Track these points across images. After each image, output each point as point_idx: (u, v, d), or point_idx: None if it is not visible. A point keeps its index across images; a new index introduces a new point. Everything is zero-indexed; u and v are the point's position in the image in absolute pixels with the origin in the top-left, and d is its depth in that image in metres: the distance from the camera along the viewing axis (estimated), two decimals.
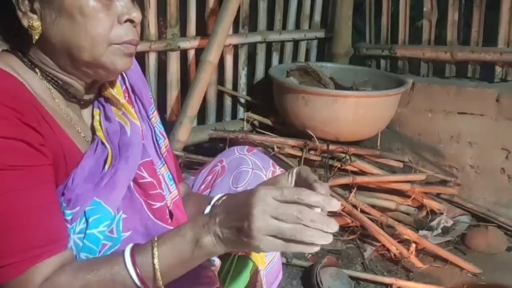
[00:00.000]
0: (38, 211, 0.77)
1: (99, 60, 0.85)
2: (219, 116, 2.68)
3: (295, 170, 0.91)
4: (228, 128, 2.44)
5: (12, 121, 0.75)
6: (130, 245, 0.80)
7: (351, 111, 2.30)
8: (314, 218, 0.72)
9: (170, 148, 1.11)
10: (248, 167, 1.16)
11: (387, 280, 1.83)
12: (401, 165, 2.35)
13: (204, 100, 2.46)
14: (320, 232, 0.72)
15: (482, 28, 2.57)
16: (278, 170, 1.19)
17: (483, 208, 2.32)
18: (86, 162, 0.87)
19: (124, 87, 1.01)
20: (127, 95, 1.01)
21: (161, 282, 0.78)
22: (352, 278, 1.83)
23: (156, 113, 1.09)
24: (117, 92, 0.97)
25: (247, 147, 1.23)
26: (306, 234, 0.72)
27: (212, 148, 2.51)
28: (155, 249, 0.78)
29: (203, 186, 1.21)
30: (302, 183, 0.88)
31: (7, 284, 0.75)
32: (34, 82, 0.86)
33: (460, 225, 2.24)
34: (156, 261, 0.77)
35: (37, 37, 0.83)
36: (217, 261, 1.03)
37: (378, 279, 1.84)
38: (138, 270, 0.77)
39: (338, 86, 2.60)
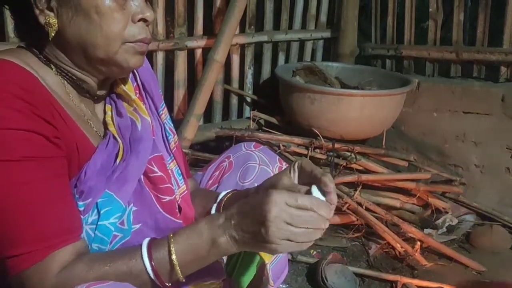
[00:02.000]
0: (54, 201, 0.80)
1: (113, 57, 0.87)
2: (226, 115, 2.69)
3: (296, 165, 0.94)
4: (234, 126, 2.45)
5: (27, 114, 0.78)
6: (147, 240, 0.83)
7: (356, 110, 2.31)
8: (321, 222, 0.79)
9: (179, 144, 1.14)
10: (255, 162, 1.18)
11: (391, 277, 1.84)
12: (406, 164, 2.36)
13: (211, 99, 2.48)
14: (321, 230, 0.81)
15: (488, 28, 2.58)
16: (285, 166, 1.20)
17: (488, 207, 2.32)
18: (98, 155, 0.90)
19: (135, 84, 1.03)
20: (138, 91, 1.03)
21: (181, 276, 0.81)
22: (357, 275, 1.84)
23: (166, 109, 1.11)
24: (128, 88, 0.99)
25: (254, 143, 1.24)
26: (315, 236, 0.79)
27: (218, 146, 2.53)
28: (172, 245, 0.80)
29: (210, 182, 1.23)
30: (307, 177, 0.91)
31: (25, 272, 0.77)
32: (49, 78, 0.88)
33: (465, 224, 2.24)
34: (174, 257, 0.80)
35: (53, 34, 0.85)
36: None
37: (382, 276, 1.85)
38: (154, 265, 0.80)
39: (343, 86, 2.61)
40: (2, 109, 0.76)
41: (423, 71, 2.77)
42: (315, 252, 1.97)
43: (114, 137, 0.93)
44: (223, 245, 0.81)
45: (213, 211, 1.04)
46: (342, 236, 2.07)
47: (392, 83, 2.53)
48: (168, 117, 1.11)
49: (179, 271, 0.80)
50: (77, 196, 0.86)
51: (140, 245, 0.82)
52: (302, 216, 0.77)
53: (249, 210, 0.79)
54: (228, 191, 1.07)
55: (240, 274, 1.13)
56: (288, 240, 0.77)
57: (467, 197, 2.36)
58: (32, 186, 0.78)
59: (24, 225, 0.77)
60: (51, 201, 0.79)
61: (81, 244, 0.83)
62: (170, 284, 0.82)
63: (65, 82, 0.90)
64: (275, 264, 1.13)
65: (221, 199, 1.05)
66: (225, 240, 0.80)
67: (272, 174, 1.14)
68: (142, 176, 0.93)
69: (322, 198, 0.85)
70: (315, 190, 0.86)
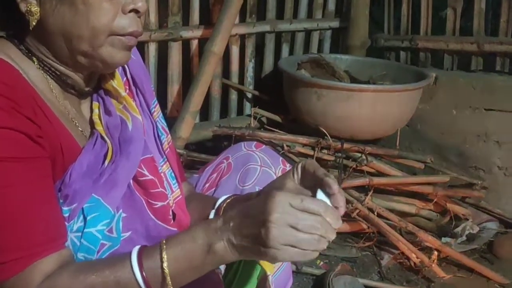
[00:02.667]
0: (37, 206, 0.80)
1: (97, 51, 0.88)
2: (224, 112, 2.70)
3: (299, 166, 0.94)
4: (233, 125, 2.46)
5: (8, 111, 0.78)
6: (137, 248, 0.83)
7: (367, 107, 2.32)
8: (328, 229, 0.78)
9: (173, 145, 1.14)
10: (256, 164, 1.18)
11: None
12: (422, 166, 2.36)
13: (208, 94, 2.48)
14: (326, 240, 0.79)
15: None
16: (289, 168, 1.21)
17: None
18: (84, 157, 0.90)
19: (125, 78, 1.04)
20: (127, 87, 1.04)
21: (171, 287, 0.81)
22: None
23: (158, 107, 1.11)
24: (118, 84, 1.00)
25: (255, 143, 1.25)
26: (322, 244, 0.78)
27: (216, 146, 2.54)
28: (164, 252, 0.80)
29: (207, 185, 1.24)
30: (310, 178, 0.91)
31: (5, 282, 0.78)
32: (31, 71, 0.88)
33: (486, 232, 2.24)
34: (165, 265, 0.80)
35: (34, 23, 0.85)
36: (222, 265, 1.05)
37: None
38: (144, 274, 0.80)
39: (353, 80, 2.61)
40: None
41: (441, 64, 2.78)
42: (322, 263, 1.97)
43: (102, 137, 0.94)
44: (220, 251, 0.80)
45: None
46: (352, 245, 2.08)
47: (407, 78, 2.53)
48: (161, 115, 1.11)
49: (170, 282, 0.80)
50: (61, 200, 0.87)
51: (130, 253, 0.82)
52: (307, 220, 0.76)
53: (249, 211, 0.79)
54: (227, 196, 1.07)
55: (240, 287, 1.14)
56: (291, 246, 0.76)
57: (489, 203, 2.36)
58: (13, 189, 0.78)
59: (4, 232, 0.77)
60: (33, 205, 0.80)
61: (66, 252, 0.83)
62: None
63: (48, 77, 0.91)
64: (278, 275, 1.14)
65: (220, 205, 1.05)
66: (222, 245, 0.80)
67: (275, 177, 1.15)
68: (131, 180, 0.94)
69: (328, 203, 0.85)
70: (320, 194, 0.86)
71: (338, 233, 0.83)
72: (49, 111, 0.87)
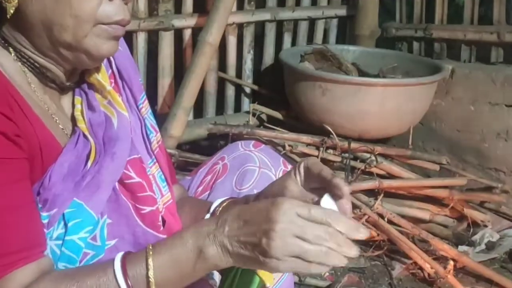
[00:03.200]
0: (14, 211, 0.80)
1: (81, 41, 0.88)
2: (220, 109, 2.71)
3: (302, 166, 0.93)
4: (230, 122, 2.47)
5: None
6: (121, 254, 0.83)
7: (377, 102, 2.32)
8: (341, 241, 0.77)
9: (163, 144, 1.14)
10: (254, 165, 1.18)
11: None
12: (437, 167, 2.37)
13: (202, 89, 2.49)
14: (341, 255, 0.77)
15: None
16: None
17: None
18: (65, 157, 0.90)
19: (110, 71, 1.04)
20: (113, 80, 1.04)
21: None
22: None
23: (146, 102, 1.11)
24: (102, 77, 1.00)
25: (253, 142, 1.25)
26: (331, 258, 0.76)
27: (211, 146, 2.54)
28: (150, 259, 0.80)
29: (200, 188, 1.24)
30: (314, 180, 0.91)
31: None
32: (7, 63, 0.88)
33: (507, 240, 2.25)
34: (151, 273, 0.79)
35: (12, 11, 0.85)
36: (216, 275, 1.05)
37: None
38: (129, 283, 0.80)
39: (362, 73, 2.62)
40: None
41: (458, 56, 2.78)
42: (327, 274, 1.98)
43: (85, 135, 0.94)
44: (212, 257, 0.80)
45: None
46: (360, 254, 2.08)
47: (421, 70, 2.54)
48: (150, 111, 1.11)
49: None
50: (40, 205, 0.87)
51: (113, 261, 0.81)
52: (315, 230, 0.76)
53: (249, 218, 0.79)
54: (223, 199, 1.07)
55: None
56: (295, 257, 0.76)
57: (510, 208, 2.36)
58: None
59: None
60: (10, 211, 0.79)
61: (45, 262, 0.83)
62: None
63: (26, 69, 0.91)
64: (278, 287, 1.14)
65: (215, 209, 1.05)
66: (215, 251, 0.79)
67: (274, 179, 1.14)
68: (116, 183, 0.94)
69: (336, 209, 0.85)
70: (327, 199, 0.86)
71: None
72: (26, 107, 0.87)
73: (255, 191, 1.10)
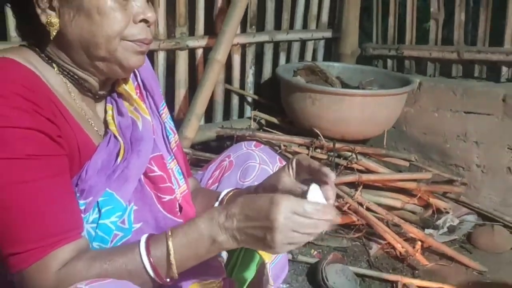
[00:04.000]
0: (56, 199, 0.80)
1: (114, 55, 0.88)
2: (227, 115, 2.70)
3: (294, 161, 0.95)
4: (235, 126, 2.46)
5: (30, 112, 0.79)
6: (145, 237, 0.83)
7: (357, 110, 2.32)
8: (324, 226, 0.82)
9: (180, 144, 1.14)
10: (255, 162, 1.18)
11: (392, 277, 1.84)
12: (407, 164, 2.37)
13: (212, 98, 2.48)
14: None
15: (489, 28, 2.58)
16: None
17: (489, 208, 2.32)
18: (99, 155, 0.91)
19: (136, 83, 1.04)
20: (138, 91, 1.04)
21: (176, 274, 0.82)
22: (357, 275, 1.84)
23: (166, 109, 1.11)
24: (129, 88, 1.00)
25: (254, 142, 1.25)
26: (314, 237, 0.82)
27: (219, 146, 2.53)
28: (170, 243, 0.81)
29: (211, 181, 1.24)
30: (304, 172, 0.92)
31: (25, 270, 0.78)
32: (51, 77, 0.89)
33: (466, 224, 2.25)
34: (172, 255, 0.80)
35: (54, 33, 0.86)
36: (224, 254, 1.06)
37: (383, 277, 1.85)
38: (152, 262, 0.80)
39: (344, 85, 2.61)
40: (5, 108, 0.77)
41: (425, 71, 2.78)
42: (315, 252, 1.97)
43: (115, 136, 0.94)
44: (223, 243, 0.82)
45: None
46: (343, 236, 2.08)
47: (394, 83, 2.53)
48: (169, 116, 1.11)
49: (175, 270, 0.81)
50: (78, 194, 0.87)
51: (138, 242, 0.82)
52: (308, 223, 0.79)
53: (254, 216, 0.80)
54: (229, 189, 1.08)
55: (240, 273, 1.14)
56: (290, 243, 0.80)
57: (468, 197, 2.36)
58: (34, 184, 0.78)
59: (26, 223, 0.78)
60: (52, 199, 0.80)
61: (82, 242, 0.83)
62: (168, 280, 0.83)
63: (67, 81, 0.91)
64: (275, 263, 1.14)
65: (223, 198, 1.06)
66: (226, 239, 0.81)
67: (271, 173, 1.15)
68: (142, 176, 0.94)
69: (322, 198, 0.86)
70: (314, 188, 0.86)
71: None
72: (67, 113, 0.87)
73: (256, 183, 1.10)
